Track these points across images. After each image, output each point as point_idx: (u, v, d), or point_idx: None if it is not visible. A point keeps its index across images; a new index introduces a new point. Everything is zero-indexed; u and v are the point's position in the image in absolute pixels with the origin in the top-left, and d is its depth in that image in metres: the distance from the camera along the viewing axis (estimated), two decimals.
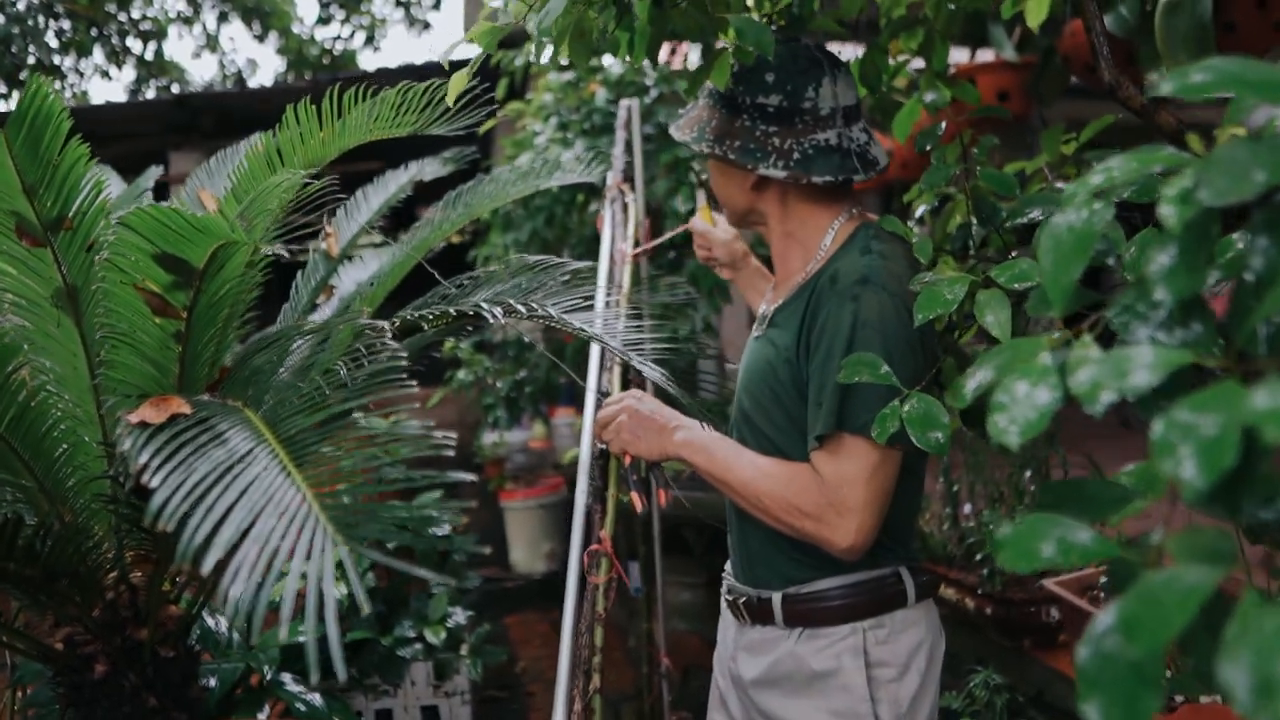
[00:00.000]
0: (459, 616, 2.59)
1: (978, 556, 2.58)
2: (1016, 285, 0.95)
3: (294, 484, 0.91)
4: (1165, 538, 0.45)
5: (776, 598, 1.24)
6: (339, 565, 0.80)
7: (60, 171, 1.28)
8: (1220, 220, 0.48)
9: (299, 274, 2.02)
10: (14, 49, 8.59)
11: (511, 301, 1.38)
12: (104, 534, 1.47)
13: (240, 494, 0.89)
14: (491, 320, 1.33)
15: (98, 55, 9.86)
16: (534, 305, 1.38)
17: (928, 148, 1.28)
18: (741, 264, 1.58)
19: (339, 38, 11.18)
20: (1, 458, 1.36)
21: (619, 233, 2.00)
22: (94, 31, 9.61)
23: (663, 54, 2.80)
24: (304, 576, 0.78)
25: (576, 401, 4.67)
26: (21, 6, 8.75)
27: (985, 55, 2.95)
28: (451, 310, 1.44)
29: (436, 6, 11.32)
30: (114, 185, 2.00)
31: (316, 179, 1.43)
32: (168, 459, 0.94)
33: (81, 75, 9.89)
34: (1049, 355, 0.54)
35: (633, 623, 3.41)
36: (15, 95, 8.76)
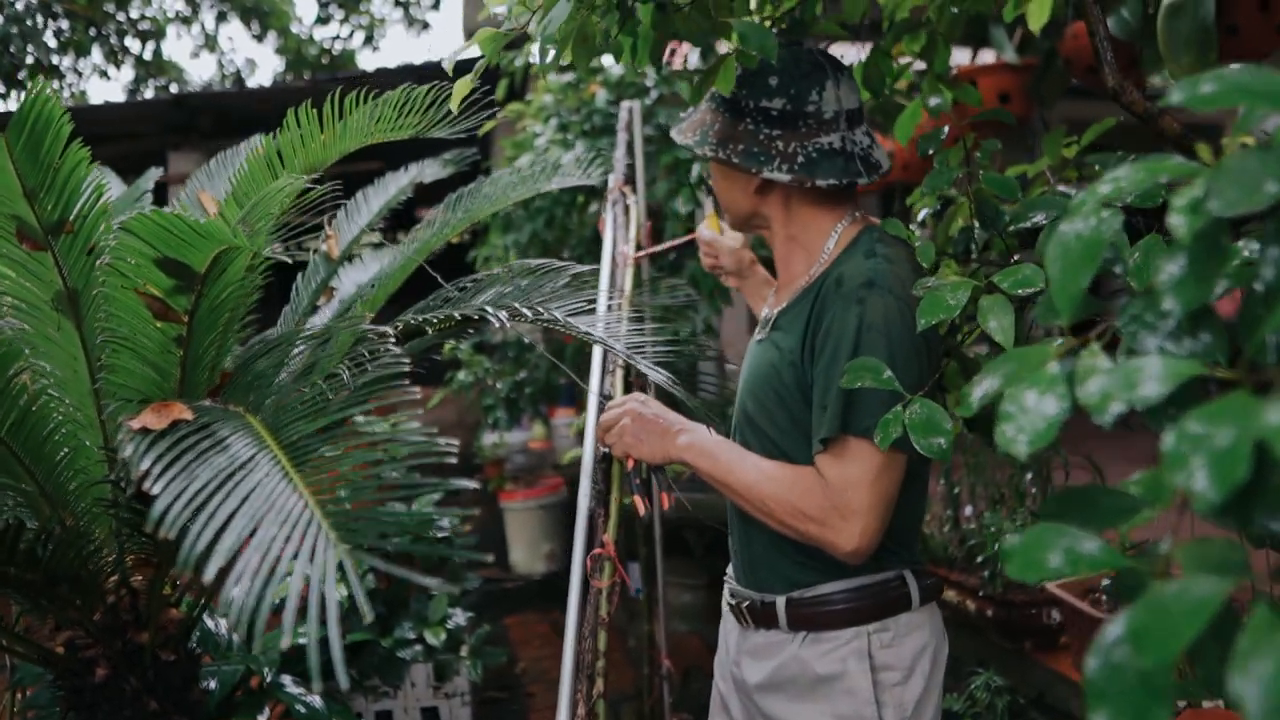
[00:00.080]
0: (459, 618, 2.59)
1: (979, 558, 2.58)
2: (1020, 291, 0.95)
3: (296, 490, 0.91)
4: (1173, 547, 0.45)
5: (780, 601, 1.24)
6: (340, 569, 0.80)
7: (61, 175, 1.28)
8: (1229, 230, 0.48)
9: (299, 276, 2.01)
10: (12, 49, 8.57)
11: (516, 305, 1.38)
12: (105, 538, 1.46)
13: (242, 501, 0.88)
14: (496, 324, 1.33)
15: (96, 55, 9.86)
16: (538, 309, 1.37)
17: (930, 151, 1.28)
18: (748, 272, 1.59)
19: (338, 37, 11.20)
20: (2, 462, 1.36)
21: (620, 235, 2.00)
22: (92, 31, 9.59)
23: None
24: (306, 579, 0.78)
25: (576, 402, 4.67)
26: (20, 6, 8.73)
27: (986, 57, 2.95)
28: (455, 314, 1.44)
29: (435, 6, 11.33)
30: (113, 186, 1.99)
31: (317, 182, 1.43)
32: (169, 466, 0.94)
33: (80, 75, 9.88)
34: (1056, 364, 0.54)
35: (633, 624, 3.41)
36: (14, 95, 8.75)
